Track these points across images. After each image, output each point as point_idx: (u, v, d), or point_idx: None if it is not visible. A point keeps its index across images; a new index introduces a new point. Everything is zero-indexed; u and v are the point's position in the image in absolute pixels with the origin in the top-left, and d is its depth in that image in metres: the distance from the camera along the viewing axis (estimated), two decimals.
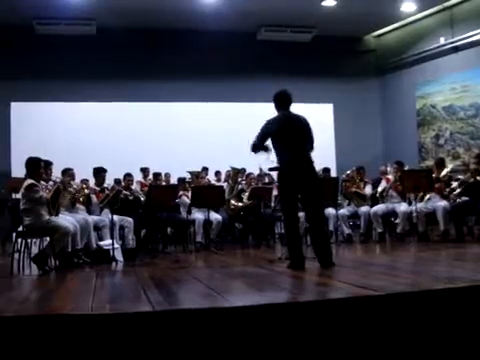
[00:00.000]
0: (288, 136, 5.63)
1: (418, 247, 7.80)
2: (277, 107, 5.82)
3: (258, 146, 5.70)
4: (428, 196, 8.50)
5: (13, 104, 12.50)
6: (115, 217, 7.43)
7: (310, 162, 5.68)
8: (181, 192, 9.11)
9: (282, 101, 5.80)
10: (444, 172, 8.60)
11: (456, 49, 12.61)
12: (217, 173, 11.47)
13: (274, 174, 10.06)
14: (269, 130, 5.67)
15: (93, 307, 3.58)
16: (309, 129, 5.78)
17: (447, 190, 8.37)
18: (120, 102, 12.88)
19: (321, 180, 7.52)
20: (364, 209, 9.07)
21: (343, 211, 9.19)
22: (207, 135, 12.88)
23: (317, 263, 5.51)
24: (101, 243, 7.21)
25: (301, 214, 6.02)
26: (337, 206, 9.02)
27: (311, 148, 5.77)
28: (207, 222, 8.75)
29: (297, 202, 5.67)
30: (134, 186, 9.39)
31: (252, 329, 3.24)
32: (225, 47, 13.11)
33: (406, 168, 9.10)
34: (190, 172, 9.91)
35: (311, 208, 5.65)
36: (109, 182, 8.27)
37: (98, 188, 7.91)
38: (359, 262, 6.55)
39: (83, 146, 11.96)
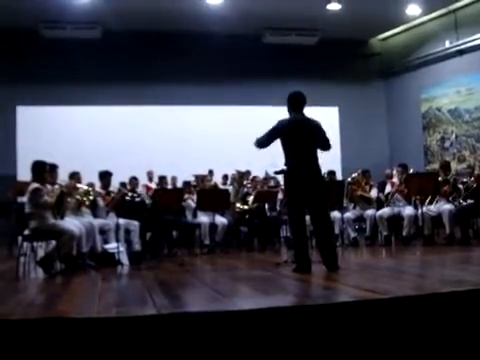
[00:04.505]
0: (295, 140, 5.60)
1: (424, 250, 7.77)
2: (289, 109, 5.77)
3: (262, 143, 5.69)
4: (436, 200, 8.50)
5: (19, 108, 12.56)
6: (121, 220, 7.44)
7: (316, 167, 5.65)
8: (186, 195, 9.11)
9: (294, 103, 5.74)
10: (449, 176, 8.60)
11: (461, 52, 12.61)
12: (225, 177, 11.47)
13: (280, 177, 10.10)
14: (277, 130, 5.63)
15: (99, 310, 3.59)
16: (320, 132, 5.73)
17: (454, 195, 8.35)
18: (126, 105, 12.93)
19: (327, 183, 7.49)
20: (370, 212, 9.06)
21: (349, 214, 9.17)
22: (212, 138, 12.91)
23: (323, 266, 5.50)
24: (106, 246, 7.21)
25: (307, 217, 6.00)
26: (343, 209, 9.00)
27: (327, 147, 5.76)
28: (212, 225, 8.76)
29: (303, 206, 5.66)
30: (139, 189, 9.40)
31: (258, 332, 3.23)
32: (230, 50, 13.13)
33: (410, 171, 9.10)
34: (196, 176, 9.92)
35: (316, 212, 5.63)
36: (115, 185, 8.28)
37: (104, 191, 7.92)
38: (365, 265, 6.53)
39: (89, 149, 12.01)
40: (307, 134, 5.65)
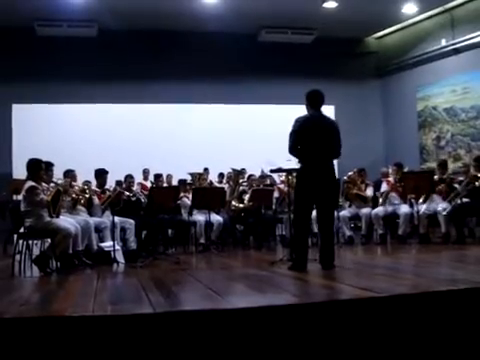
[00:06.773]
0: (311, 136, 5.56)
1: (419, 249, 7.79)
2: (307, 106, 5.76)
3: (291, 148, 5.60)
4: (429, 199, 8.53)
5: (15, 106, 12.51)
6: (116, 219, 7.42)
7: (329, 167, 5.63)
8: (182, 194, 9.10)
9: (312, 100, 5.74)
10: (446, 175, 8.62)
11: (457, 51, 12.60)
12: (220, 175, 11.46)
13: (276, 176, 10.09)
14: (296, 128, 5.58)
15: (94, 309, 3.58)
16: (337, 134, 5.70)
17: (451, 195, 8.37)
18: (121, 104, 12.89)
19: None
20: (365, 211, 9.07)
21: (344, 213, 9.18)
22: (208, 137, 12.89)
23: (318, 265, 5.51)
24: (102, 245, 7.21)
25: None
26: (338, 208, 9.01)
27: (336, 154, 5.72)
28: (208, 224, 8.75)
29: (312, 205, 5.64)
30: (135, 187, 9.38)
31: (253, 331, 3.23)
32: (226, 49, 13.09)
33: (406, 169, 9.11)
34: (191, 174, 9.91)
35: (324, 211, 5.62)
36: (110, 184, 8.27)
37: (100, 190, 7.91)
38: (360, 264, 6.55)
39: (84, 148, 11.98)
40: (323, 132, 5.62)
